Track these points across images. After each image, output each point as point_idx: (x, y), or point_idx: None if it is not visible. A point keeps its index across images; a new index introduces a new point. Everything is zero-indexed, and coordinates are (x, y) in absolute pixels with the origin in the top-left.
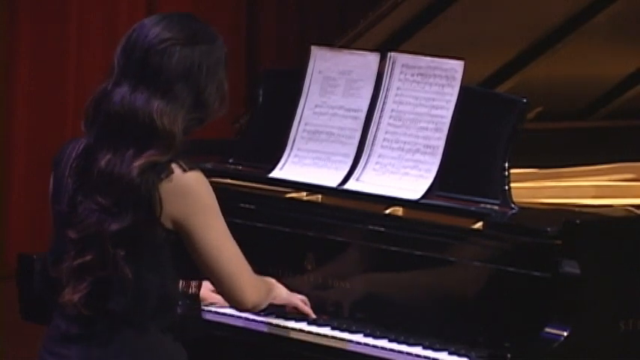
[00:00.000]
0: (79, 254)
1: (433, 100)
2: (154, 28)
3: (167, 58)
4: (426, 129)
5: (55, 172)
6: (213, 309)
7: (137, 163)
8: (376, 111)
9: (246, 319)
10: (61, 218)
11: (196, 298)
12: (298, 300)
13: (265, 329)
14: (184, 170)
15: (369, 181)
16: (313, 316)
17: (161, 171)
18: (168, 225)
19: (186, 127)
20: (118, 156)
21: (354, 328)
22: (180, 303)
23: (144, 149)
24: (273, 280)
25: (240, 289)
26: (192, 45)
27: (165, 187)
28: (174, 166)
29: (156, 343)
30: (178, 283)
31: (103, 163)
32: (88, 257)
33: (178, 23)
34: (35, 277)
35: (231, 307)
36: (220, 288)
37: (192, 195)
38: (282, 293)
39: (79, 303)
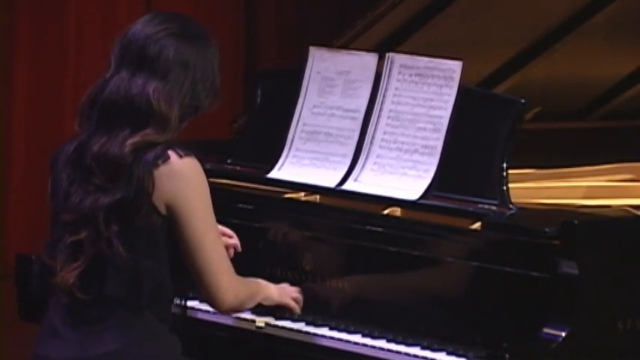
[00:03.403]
0: (73, 233)
1: (431, 100)
2: (149, 25)
3: (165, 47)
4: (425, 129)
5: (52, 171)
6: (206, 308)
7: (130, 141)
8: (374, 111)
9: (245, 319)
10: (57, 212)
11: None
12: (290, 300)
13: (262, 329)
14: (180, 156)
15: (368, 182)
16: (298, 312)
17: (158, 157)
18: (162, 210)
19: (182, 115)
20: (113, 138)
21: (352, 328)
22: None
23: (139, 129)
24: (260, 282)
25: (216, 287)
26: (189, 39)
27: (161, 172)
28: (170, 152)
29: (152, 326)
30: (176, 276)
31: (96, 147)
32: (83, 234)
33: (173, 20)
34: (35, 278)
35: (210, 305)
36: (199, 282)
37: (185, 179)
38: (272, 295)
39: (74, 285)
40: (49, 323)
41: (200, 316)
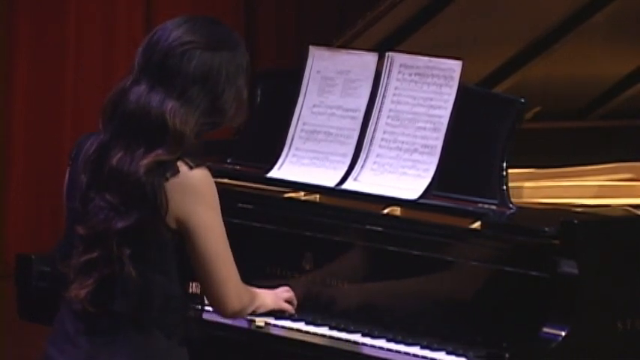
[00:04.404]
0: (86, 251)
1: (431, 99)
2: (175, 31)
3: (186, 62)
4: (424, 129)
5: (71, 168)
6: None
7: (144, 162)
8: (374, 111)
9: (244, 319)
10: (73, 214)
11: (196, 298)
12: (284, 303)
13: (262, 329)
14: (190, 167)
15: (367, 181)
16: (292, 312)
17: (167, 169)
18: (173, 224)
19: (199, 131)
20: (129, 154)
21: (352, 328)
22: (190, 306)
23: (153, 148)
24: (256, 290)
25: (225, 295)
26: (213, 50)
27: (171, 185)
28: (180, 163)
29: (159, 347)
30: (186, 286)
31: (114, 161)
32: (95, 254)
33: (201, 27)
34: (34, 278)
35: (213, 311)
36: (207, 290)
37: (196, 192)
38: (266, 303)
39: (85, 299)
40: (62, 326)
41: (208, 317)
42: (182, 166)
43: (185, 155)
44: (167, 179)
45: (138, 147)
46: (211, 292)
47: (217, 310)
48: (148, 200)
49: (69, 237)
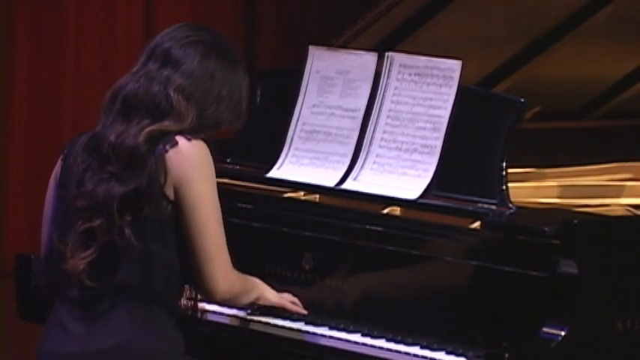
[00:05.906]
0: (86, 220)
1: (431, 99)
2: (179, 29)
3: (191, 51)
4: (424, 129)
5: (64, 160)
6: (211, 309)
7: (147, 130)
8: (374, 111)
9: (245, 319)
10: (66, 201)
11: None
12: (287, 302)
13: (263, 329)
14: (189, 140)
15: (367, 181)
16: (304, 312)
17: (167, 142)
18: (171, 195)
19: (201, 124)
20: (131, 127)
21: (351, 328)
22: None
23: (156, 121)
24: (258, 281)
25: (212, 276)
26: (217, 50)
27: (170, 156)
28: (179, 137)
29: (159, 322)
30: (185, 267)
31: (113, 136)
32: (96, 222)
33: (204, 28)
34: (35, 276)
35: (202, 295)
36: (195, 268)
37: (193, 162)
38: (268, 295)
39: (83, 272)
40: (56, 318)
41: (207, 317)
42: (181, 139)
43: (185, 132)
44: (166, 151)
45: (140, 120)
46: (200, 271)
47: (205, 293)
48: (148, 168)
49: (65, 220)
